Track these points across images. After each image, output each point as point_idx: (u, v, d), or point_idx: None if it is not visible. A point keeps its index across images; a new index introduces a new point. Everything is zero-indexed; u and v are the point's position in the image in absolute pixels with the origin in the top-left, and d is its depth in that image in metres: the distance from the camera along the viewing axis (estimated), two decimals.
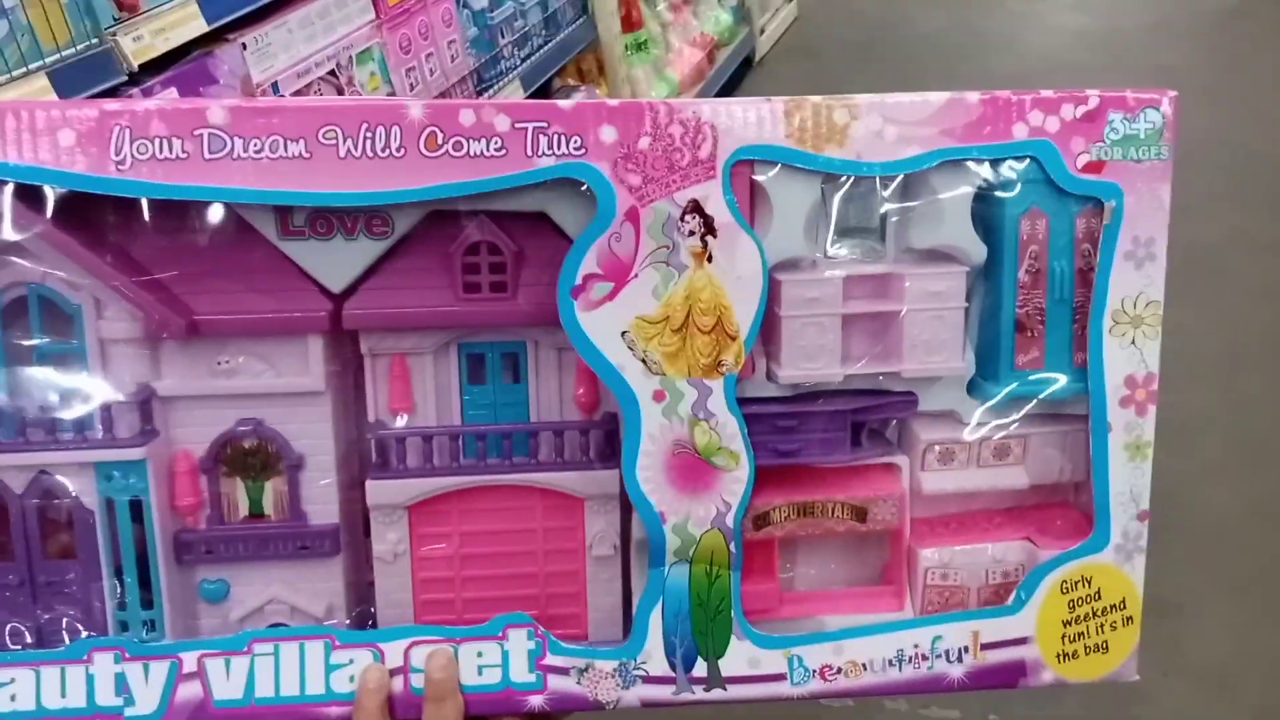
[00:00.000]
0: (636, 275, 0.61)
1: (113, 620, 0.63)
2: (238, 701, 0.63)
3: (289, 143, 0.58)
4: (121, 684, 0.62)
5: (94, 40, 1.69)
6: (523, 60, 2.79)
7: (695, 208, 0.61)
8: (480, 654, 0.64)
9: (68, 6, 1.64)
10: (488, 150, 0.59)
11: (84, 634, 0.63)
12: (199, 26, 1.92)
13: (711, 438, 0.63)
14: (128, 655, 0.62)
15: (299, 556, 0.66)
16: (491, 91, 2.68)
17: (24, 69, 1.60)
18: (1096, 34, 4.35)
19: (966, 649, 0.67)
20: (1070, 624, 0.68)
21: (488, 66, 2.68)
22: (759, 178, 0.63)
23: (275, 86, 2.12)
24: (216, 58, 1.96)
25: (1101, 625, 0.68)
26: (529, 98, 2.84)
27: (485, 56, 2.66)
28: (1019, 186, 0.65)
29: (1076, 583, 0.67)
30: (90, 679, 0.62)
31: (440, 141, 0.59)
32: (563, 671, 0.65)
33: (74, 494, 0.62)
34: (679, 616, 0.65)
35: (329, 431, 0.65)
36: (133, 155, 0.57)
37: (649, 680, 0.65)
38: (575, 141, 0.60)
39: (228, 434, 0.64)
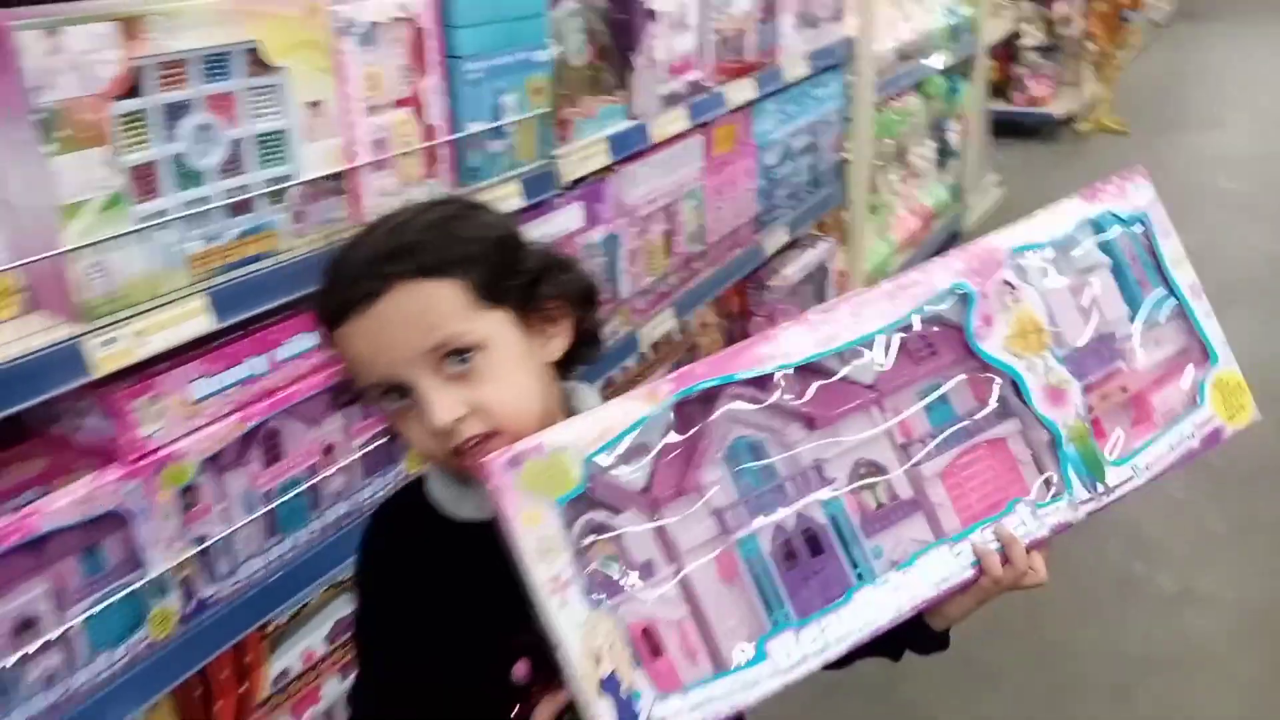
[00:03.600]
0: None
1: None
2: None
3: None
4: None
5: (544, 160, 2.28)
6: (790, 210, 3.33)
7: None
8: None
9: (536, 132, 2.23)
10: None
11: None
12: (603, 160, 2.51)
13: None
14: None
15: None
16: (764, 232, 3.22)
17: (505, 175, 2.19)
18: None
19: None
20: None
21: (765, 213, 3.22)
22: None
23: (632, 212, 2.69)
24: (607, 183, 2.55)
25: None
26: (790, 241, 3.36)
27: (764, 206, 3.21)
28: None
29: None
30: None
31: None
32: None
33: None
34: None
35: None
36: None
37: None
38: None
39: None
